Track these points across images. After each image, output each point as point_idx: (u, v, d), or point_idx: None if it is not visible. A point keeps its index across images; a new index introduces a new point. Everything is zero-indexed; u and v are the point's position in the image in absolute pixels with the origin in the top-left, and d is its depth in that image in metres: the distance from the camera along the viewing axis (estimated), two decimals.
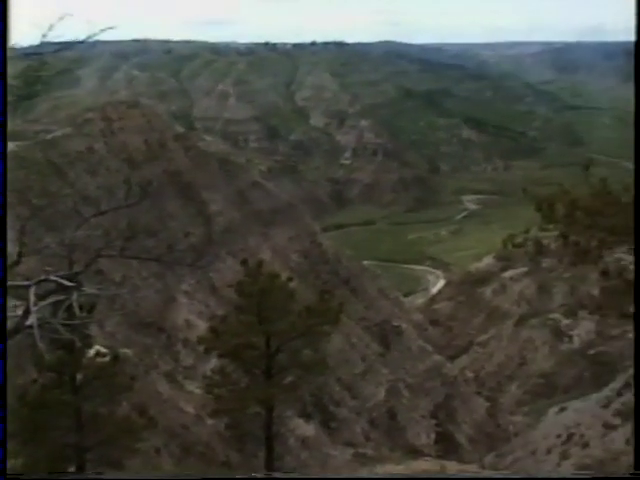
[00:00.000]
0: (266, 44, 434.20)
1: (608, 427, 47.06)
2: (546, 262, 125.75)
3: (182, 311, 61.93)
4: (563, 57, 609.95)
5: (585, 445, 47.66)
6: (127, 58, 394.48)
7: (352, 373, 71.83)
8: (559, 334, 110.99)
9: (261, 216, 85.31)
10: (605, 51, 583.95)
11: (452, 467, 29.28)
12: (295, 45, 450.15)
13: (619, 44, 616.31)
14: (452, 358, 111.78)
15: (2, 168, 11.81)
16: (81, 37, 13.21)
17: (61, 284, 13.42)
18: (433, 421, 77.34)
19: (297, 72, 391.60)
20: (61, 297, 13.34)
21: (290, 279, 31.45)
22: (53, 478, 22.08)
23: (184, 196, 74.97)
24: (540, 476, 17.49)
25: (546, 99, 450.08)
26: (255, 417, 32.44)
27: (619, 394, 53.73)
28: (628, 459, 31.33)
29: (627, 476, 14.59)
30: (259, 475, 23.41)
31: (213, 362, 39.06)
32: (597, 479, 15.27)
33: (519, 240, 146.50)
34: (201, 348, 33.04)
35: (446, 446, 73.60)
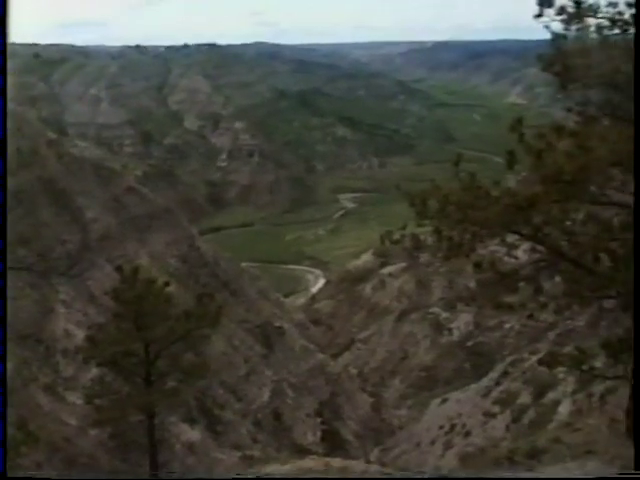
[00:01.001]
0: (137, 47, 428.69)
1: (488, 415, 48.24)
2: (423, 257, 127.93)
3: (60, 321, 60.57)
4: (433, 56, 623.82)
5: (467, 434, 48.78)
6: None
7: (236, 375, 71.61)
8: (439, 327, 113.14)
9: (138, 221, 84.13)
10: (473, 50, 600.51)
11: (337, 463, 29.45)
12: (167, 48, 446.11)
13: (486, 43, 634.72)
14: (335, 356, 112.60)
15: (2, 168, 11.32)
16: None
17: None
18: (318, 419, 77.75)
19: (170, 75, 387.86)
20: None
21: (167, 284, 31.18)
22: (53, 478, 22.11)
23: (58, 203, 73.29)
24: (541, 476, 17.75)
25: (418, 97, 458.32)
26: (138, 425, 32.07)
27: (497, 383, 55.18)
28: (507, 445, 32.11)
29: (627, 476, 14.83)
30: (264, 475, 23.26)
31: (94, 372, 38.40)
32: (597, 479, 15.47)
33: (396, 236, 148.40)
34: (80, 358, 32.43)
35: (332, 443, 74.08)
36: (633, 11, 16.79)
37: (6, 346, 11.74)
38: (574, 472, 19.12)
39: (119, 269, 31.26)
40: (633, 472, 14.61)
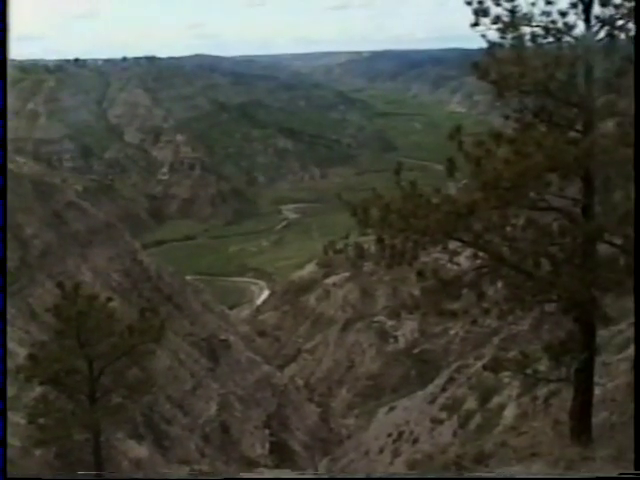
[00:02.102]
0: (76, 60, 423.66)
1: (435, 422, 48.46)
2: (367, 266, 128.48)
3: None
4: (372, 66, 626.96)
5: (415, 441, 48.95)
6: None
7: (182, 390, 71.18)
8: (384, 336, 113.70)
9: (79, 237, 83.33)
10: (412, 59, 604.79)
11: (287, 475, 29.43)
12: (106, 61, 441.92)
13: (424, 52, 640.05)
14: (281, 367, 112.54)
15: (2, 167, 11.15)
16: None
17: None
18: (267, 431, 77.61)
19: (109, 89, 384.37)
20: None
21: (110, 299, 30.89)
22: (53, 478, 22.02)
23: None
24: (540, 476, 17.87)
25: (358, 107, 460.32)
26: (84, 443, 31.70)
27: (444, 389, 55.47)
28: (455, 450, 32.29)
29: (627, 476, 14.91)
30: (259, 475, 23.18)
31: (37, 390, 37.88)
32: (597, 479, 15.59)
33: (339, 246, 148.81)
34: (22, 377, 31.92)
35: (281, 455, 73.99)
36: (566, 20, 17.09)
37: (6, 346, 11.74)
38: (520, 475, 19.36)
39: (60, 285, 30.80)
40: (633, 472, 14.78)
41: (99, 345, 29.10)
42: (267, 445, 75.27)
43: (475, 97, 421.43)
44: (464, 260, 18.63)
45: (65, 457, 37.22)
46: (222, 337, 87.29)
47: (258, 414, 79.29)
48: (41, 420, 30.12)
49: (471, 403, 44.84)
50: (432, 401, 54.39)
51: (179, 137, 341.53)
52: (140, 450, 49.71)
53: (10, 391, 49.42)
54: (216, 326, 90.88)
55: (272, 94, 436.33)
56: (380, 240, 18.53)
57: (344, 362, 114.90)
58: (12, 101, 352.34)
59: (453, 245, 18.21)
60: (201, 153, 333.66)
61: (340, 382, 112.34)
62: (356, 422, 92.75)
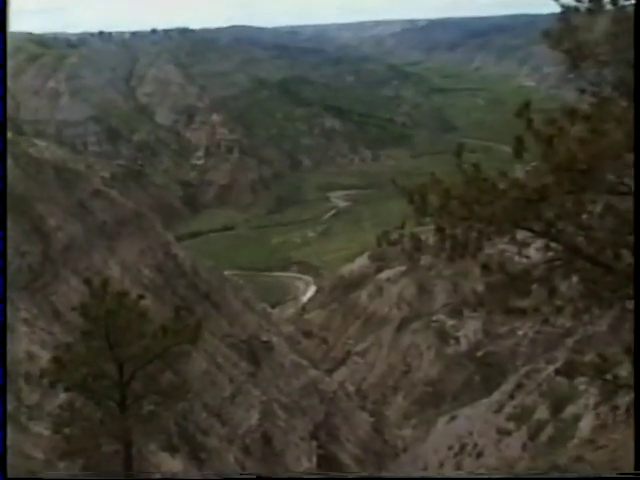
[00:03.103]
0: (100, 34, 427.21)
1: (502, 433, 48.22)
2: (425, 259, 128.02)
3: (22, 342, 60.42)
4: (428, 36, 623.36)
5: (479, 455, 48.78)
6: None
7: (220, 397, 71.47)
8: (444, 337, 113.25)
9: (106, 228, 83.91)
10: (473, 28, 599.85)
11: (287, 475, 29.60)
12: (133, 34, 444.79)
13: (488, 19, 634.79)
14: (330, 372, 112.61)
15: (2, 168, 11.51)
16: None
17: None
18: (314, 442, 77.67)
19: (137, 65, 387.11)
20: None
21: (141, 297, 31.03)
22: (53, 478, 22.47)
23: (17, 211, 73.15)
24: (540, 476, 17.83)
25: (413, 82, 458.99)
26: (114, 455, 31.95)
27: (511, 397, 55.18)
28: (525, 465, 32.14)
29: (627, 476, 14.95)
30: (264, 475, 23.54)
31: (61, 397, 38.25)
32: (597, 479, 15.69)
33: (394, 237, 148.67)
34: (46, 382, 32.27)
35: (330, 469, 74.06)
36: None
37: (6, 347, 12.05)
38: (520, 475, 19.28)
39: (87, 282, 31.06)
40: (633, 472, 14.80)
41: (130, 347, 29.27)
42: (314, 458, 75.34)
43: (545, 69, 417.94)
44: (534, 252, 18.47)
45: (92, 470, 37.61)
46: (264, 338, 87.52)
47: (304, 424, 79.41)
48: (66, 430, 30.42)
49: (542, 412, 44.60)
50: (498, 410, 54.15)
51: (215, 117, 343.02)
52: (174, 463, 50.12)
53: (33, 398, 50.07)
54: (257, 326, 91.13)
55: (317, 69, 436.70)
56: (440, 230, 18.43)
57: (399, 366, 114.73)
58: (30, 79, 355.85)
59: (522, 235, 18.05)
60: (240, 135, 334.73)
61: (395, 388, 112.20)
62: (413, 433, 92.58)
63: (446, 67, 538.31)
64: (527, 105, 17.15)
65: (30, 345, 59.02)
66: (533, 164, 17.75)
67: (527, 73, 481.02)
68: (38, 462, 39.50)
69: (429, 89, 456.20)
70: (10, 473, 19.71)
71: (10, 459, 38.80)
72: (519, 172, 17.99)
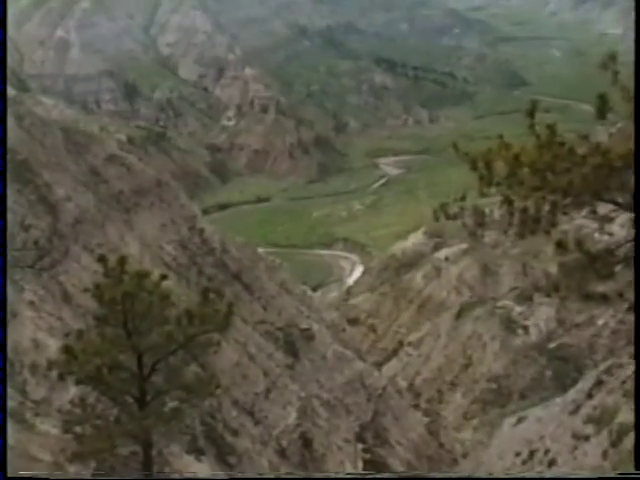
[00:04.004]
0: None
1: (579, 438, 47.95)
2: (490, 236, 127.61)
3: (27, 328, 60.90)
4: None
5: (551, 463, 48.55)
6: None
7: (252, 392, 71.82)
8: (511, 325, 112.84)
9: (122, 199, 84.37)
10: None
11: (289, 475, 29.73)
12: None
13: None
14: (379, 365, 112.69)
15: (2, 168, 11.78)
16: None
17: None
18: (359, 445, 77.89)
19: (158, 10, 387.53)
20: None
21: (164, 277, 31.11)
22: (53, 478, 22.90)
23: (20, 179, 73.65)
24: (540, 476, 18.06)
25: (477, 30, 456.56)
26: (131, 458, 32.18)
27: (589, 396, 54.85)
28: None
29: (627, 476, 15.08)
30: (268, 475, 23.93)
31: (72, 391, 38.59)
32: (598, 479, 16.04)
33: (454, 210, 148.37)
34: (54, 374, 32.54)
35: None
36: None
37: (6, 347, 12.42)
38: (520, 475, 19.43)
39: (101, 260, 31.20)
40: (633, 472, 14.91)
41: (150, 335, 29.39)
42: (359, 463, 75.57)
43: (634, 14, 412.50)
44: (618, 228, 18.36)
45: (107, 475, 37.94)
46: (303, 326, 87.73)
47: (348, 424, 79.64)
48: (78, 428, 30.65)
49: (626, 414, 44.28)
50: (574, 411, 53.82)
51: (248, 71, 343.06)
52: (200, 467, 50.41)
53: (39, 392, 50.75)
54: (296, 312, 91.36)
55: (366, 15, 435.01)
56: (508, 202, 18.34)
57: (459, 359, 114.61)
58: (35, 28, 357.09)
59: (604, 209, 17.92)
60: (276, 92, 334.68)
61: (453, 384, 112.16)
62: (474, 436, 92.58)
63: (515, 12, 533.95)
64: (612, 57, 16.97)
65: (36, 332, 59.60)
66: (618, 125, 17.60)
67: (612, 18, 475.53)
68: (45, 465, 39.95)
69: (495, 38, 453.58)
70: (11, 474, 20.15)
71: (14, 461, 39.31)
72: (602, 135, 17.85)
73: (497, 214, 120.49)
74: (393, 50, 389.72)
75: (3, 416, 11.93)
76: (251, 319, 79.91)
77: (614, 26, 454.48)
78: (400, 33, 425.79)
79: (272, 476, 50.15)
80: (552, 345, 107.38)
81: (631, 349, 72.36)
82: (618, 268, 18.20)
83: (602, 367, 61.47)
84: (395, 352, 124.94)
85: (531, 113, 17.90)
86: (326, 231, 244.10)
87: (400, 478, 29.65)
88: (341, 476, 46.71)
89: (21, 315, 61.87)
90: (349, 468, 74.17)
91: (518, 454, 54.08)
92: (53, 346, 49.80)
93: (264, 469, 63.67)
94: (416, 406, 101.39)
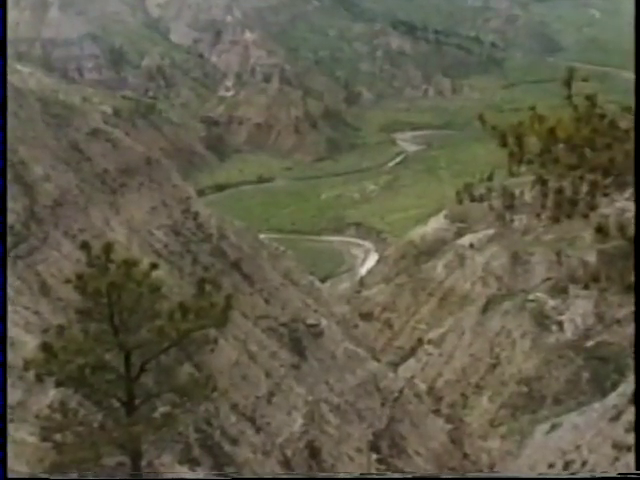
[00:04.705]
0: None
1: (620, 447, 47.97)
2: (520, 220, 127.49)
3: None
4: None
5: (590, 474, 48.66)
6: None
7: (254, 396, 71.96)
8: (544, 321, 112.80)
9: (108, 179, 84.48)
10: None
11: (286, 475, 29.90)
12: None
13: None
14: (395, 365, 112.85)
15: (2, 167, 11.95)
16: None
17: None
18: (373, 455, 78.00)
19: None
20: None
21: (154, 266, 31.17)
22: (53, 478, 23.05)
23: None
24: (541, 476, 18.17)
25: None
26: (117, 468, 32.25)
27: (632, 401, 54.88)
28: None
29: (627, 476, 15.28)
30: (273, 475, 24.26)
31: (51, 394, 38.69)
32: (597, 479, 16.31)
33: (480, 191, 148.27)
34: (31, 375, 32.63)
35: None
36: None
37: (6, 348, 12.64)
38: (520, 475, 19.52)
39: (83, 247, 31.25)
40: (633, 472, 15.16)
41: (139, 331, 29.45)
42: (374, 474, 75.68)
43: None
44: None
45: None
46: (311, 321, 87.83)
47: (361, 431, 79.73)
48: (58, 436, 30.71)
49: None
50: (615, 417, 53.92)
51: (248, 36, 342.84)
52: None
53: (15, 395, 50.96)
54: (302, 305, 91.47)
55: None
56: (541, 182, 18.39)
57: (485, 358, 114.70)
58: None
59: None
60: (280, 58, 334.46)
61: (479, 387, 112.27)
62: (502, 445, 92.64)
63: None
64: None
65: (11, 328, 59.75)
66: None
67: None
68: (20, 477, 40.12)
69: None
70: None
71: None
72: None
73: (528, 196, 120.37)
74: (412, 11, 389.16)
75: (3, 418, 12.27)
76: (252, 313, 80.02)
77: None
78: None
79: (271, 477, 50.69)
80: (590, 343, 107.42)
81: None
82: None
83: None
84: (413, 351, 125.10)
85: (567, 82, 17.87)
86: (336, 215, 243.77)
87: (400, 478, 29.94)
88: (341, 476, 47.22)
89: None
90: None
91: (551, 465, 54.17)
92: (30, 344, 49.95)
93: None
94: (437, 411, 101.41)
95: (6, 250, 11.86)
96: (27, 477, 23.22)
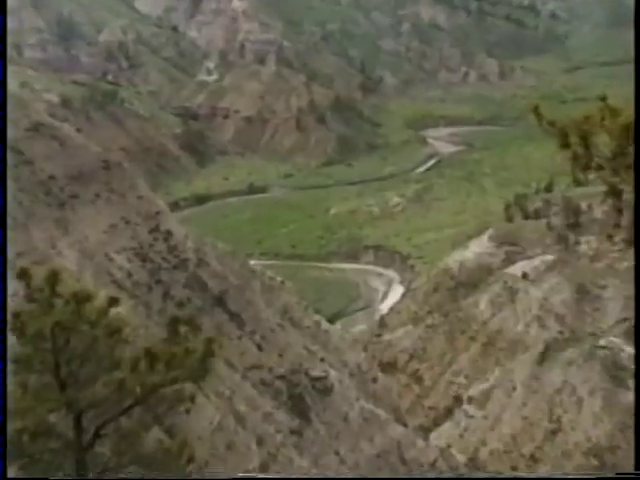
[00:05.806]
0: None
1: None
2: (587, 243, 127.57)
3: None
4: None
5: None
6: None
7: (242, 469, 71.93)
8: (619, 374, 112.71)
9: (54, 189, 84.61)
10: None
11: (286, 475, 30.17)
12: None
13: None
14: (425, 430, 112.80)
15: (2, 167, 12.46)
16: None
17: None
18: None
19: None
20: None
21: (114, 301, 31.22)
22: (53, 478, 23.27)
23: None
24: (541, 476, 18.68)
25: None
26: None
27: None
28: None
29: (627, 476, 15.86)
30: (262, 475, 24.75)
31: None
32: (597, 479, 17.01)
33: (535, 204, 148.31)
34: None
35: None
36: None
37: (6, 348, 13.53)
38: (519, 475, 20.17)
39: (22, 276, 31.34)
40: (633, 472, 15.66)
41: (93, 386, 29.47)
42: None
43: None
44: None
45: None
46: (316, 373, 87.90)
47: None
48: None
49: None
50: None
51: (237, 4, 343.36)
52: None
53: None
54: (305, 352, 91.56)
55: None
56: (614, 193, 18.38)
57: (542, 421, 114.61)
58: None
59: None
60: (277, 33, 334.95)
61: (535, 459, 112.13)
62: None
63: None
64: None
65: None
66: None
67: None
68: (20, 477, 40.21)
69: None
70: None
71: None
72: None
73: (598, 211, 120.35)
74: None
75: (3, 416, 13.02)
76: (240, 363, 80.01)
77: None
78: None
79: (271, 476, 51.25)
80: None
81: None
82: None
83: None
84: (450, 412, 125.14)
85: None
86: (349, 235, 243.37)
87: (402, 479, 30.55)
88: (341, 476, 47.90)
89: None
90: None
91: None
92: None
93: None
94: None
95: (6, 255, 12.62)
96: (27, 477, 23.70)
